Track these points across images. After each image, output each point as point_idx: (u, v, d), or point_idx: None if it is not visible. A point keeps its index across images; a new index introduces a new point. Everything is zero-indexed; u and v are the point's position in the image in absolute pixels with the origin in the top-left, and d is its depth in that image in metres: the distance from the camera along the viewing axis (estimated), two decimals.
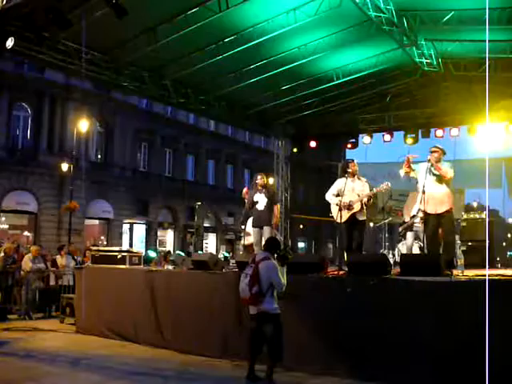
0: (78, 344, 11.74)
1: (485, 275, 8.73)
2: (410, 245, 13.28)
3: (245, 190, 12.99)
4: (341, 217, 11.02)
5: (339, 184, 11.41)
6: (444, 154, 10.57)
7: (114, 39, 14.65)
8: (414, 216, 12.24)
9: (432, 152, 10.47)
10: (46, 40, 13.83)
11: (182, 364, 9.86)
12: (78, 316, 13.28)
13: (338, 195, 11.27)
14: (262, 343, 8.01)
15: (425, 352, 7.86)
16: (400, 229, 13.77)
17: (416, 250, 13.11)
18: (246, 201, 12.66)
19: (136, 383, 8.90)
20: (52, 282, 16.53)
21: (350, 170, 11.33)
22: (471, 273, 9.91)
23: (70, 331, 13.15)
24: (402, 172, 11.21)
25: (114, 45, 14.99)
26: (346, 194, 11.10)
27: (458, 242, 14.68)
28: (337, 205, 11.17)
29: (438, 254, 9.82)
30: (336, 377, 8.50)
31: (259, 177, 12.38)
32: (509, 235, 70.21)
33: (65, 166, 31.25)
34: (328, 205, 11.59)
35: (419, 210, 10.57)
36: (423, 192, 10.21)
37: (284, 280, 7.99)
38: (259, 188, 12.23)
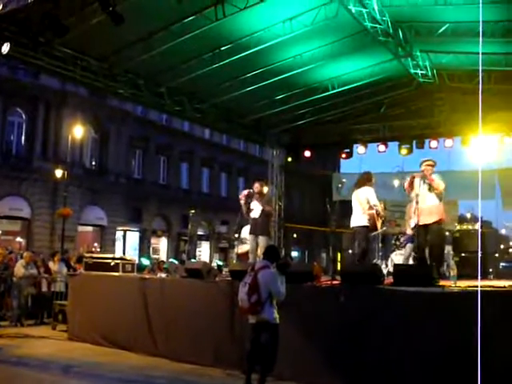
0: (70, 351, 11.72)
1: (477, 286, 8.76)
2: (407, 255, 13.40)
3: (245, 192, 12.85)
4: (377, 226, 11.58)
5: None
6: (435, 165, 10.84)
7: (110, 46, 14.64)
8: (414, 227, 12.40)
9: (428, 165, 10.68)
10: (41, 45, 13.80)
11: (174, 372, 9.87)
12: (71, 323, 13.27)
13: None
14: (261, 353, 7.97)
15: (419, 361, 7.87)
16: (402, 240, 13.93)
17: (411, 261, 13.22)
18: (241, 203, 12.64)
19: None
20: (44, 289, 16.48)
21: (374, 181, 11.76)
22: (464, 284, 9.93)
23: (62, 338, 13.14)
24: (404, 183, 11.35)
25: (110, 52, 14.98)
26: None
27: (451, 252, 14.76)
28: (377, 214, 11.37)
29: (431, 264, 9.89)
30: None
31: (256, 185, 12.53)
32: (501, 246, 70.39)
33: (59, 172, 31.11)
34: (324, 214, 11.73)
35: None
36: (416, 202, 10.40)
37: (283, 289, 7.97)
38: (256, 196, 12.37)
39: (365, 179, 11.80)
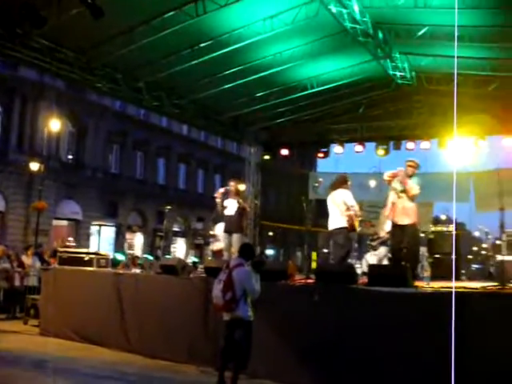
0: (42, 346, 11.62)
1: (450, 287, 8.84)
2: (381, 257, 13.47)
3: (222, 190, 12.90)
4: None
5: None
6: (418, 168, 10.86)
7: (89, 39, 14.53)
8: (389, 232, 12.44)
9: (409, 165, 10.75)
10: (19, 37, 13.65)
11: (148, 369, 9.83)
12: (43, 318, 13.15)
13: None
14: (235, 350, 7.96)
15: (393, 361, 7.92)
16: (374, 243, 13.98)
17: (386, 263, 13.29)
18: (217, 202, 12.67)
19: None
20: (17, 283, 16.30)
21: (349, 183, 11.80)
22: (437, 285, 10.02)
23: (34, 333, 13.02)
24: (387, 173, 11.35)
25: (88, 45, 14.86)
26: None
27: (426, 253, 14.84)
28: (356, 215, 11.46)
29: (405, 265, 9.95)
30: None
31: (232, 183, 12.58)
32: (475, 248, 71.18)
33: (34, 166, 30.75)
34: (300, 213, 11.76)
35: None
36: (392, 203, 10.49)
37: (258, 287, 7.96)
38: (231, 194, 12.41)
39: (340, 182, 11.84)
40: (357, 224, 11.56)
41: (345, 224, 11.37)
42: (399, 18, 14.23)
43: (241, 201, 12.52)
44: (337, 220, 11.46)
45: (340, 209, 11.40)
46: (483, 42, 14.10)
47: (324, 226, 12.02)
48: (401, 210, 10.62)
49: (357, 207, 11.59)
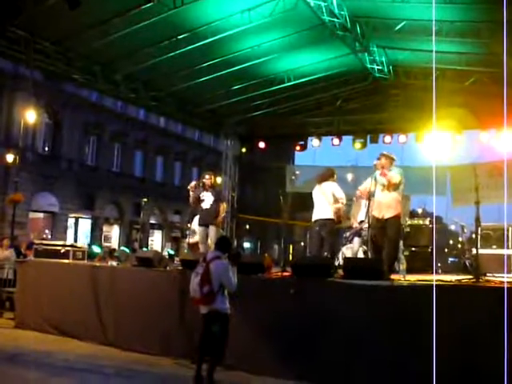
0: (17, 339, 11.51)
1: (426, 280, 8.94)
2: (356, 250, 13.45)
3: (193, 183, 12.91)
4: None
5: None
6: (392, 160, 10.76)
7: (66, 30, 14.39)
8: (362, 222, 12.46)
9: (379, 158, 10.69)
10: None
11: (124, 361, 9.78)
12: (19, 311, 13.04)
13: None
14: (212, 343, 7.96)
15: (368, 354, 7.96)
16: (348, 234, 13.96)
17: (361, 255, 13.29)
18: (190, 194, 12.66)
19: (76, 380, 8.80)
20: None
21: (336, 177, 11.94)
22: (413, 278, 10.09)
23: (9, 326, 12.89)
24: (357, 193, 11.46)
25: (66, 36, 14.74)
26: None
27: (402, 247, 14.92)
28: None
29: (381, 258, 9.98)
30: (278, 378, 8.54)
31: (207, 176, 12.57)
32: (451, 242, 71.74)
33: (10, 157, 30.49)
34: (277, 206, 11.78)
35: (367, 215, 10.73)
36: (368, 198, 10.45)
37: (235, 280, 7.96)
38: (206, 187, 12.37)
39: (328, 174, 11.91)
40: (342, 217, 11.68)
41: (331, 215, 11.42)
42: (377, 11, 14.28)
43: (219, 197, 12.56)
44: (324, 210, 11.49)
45: (328, 200, 11.46)
46: (460, 37, 14.19)
47: (301, 218, 12.07)
48: (383, 203, 10.49)
49: (345, 200, 11.66)
